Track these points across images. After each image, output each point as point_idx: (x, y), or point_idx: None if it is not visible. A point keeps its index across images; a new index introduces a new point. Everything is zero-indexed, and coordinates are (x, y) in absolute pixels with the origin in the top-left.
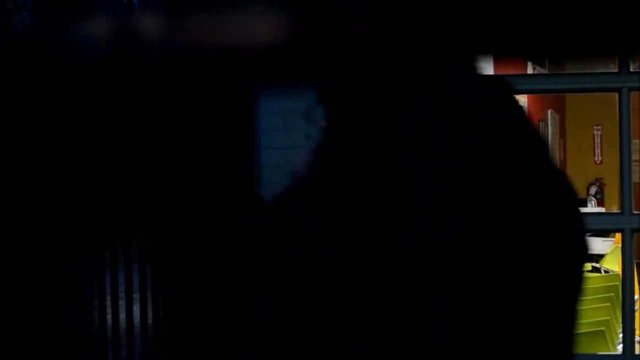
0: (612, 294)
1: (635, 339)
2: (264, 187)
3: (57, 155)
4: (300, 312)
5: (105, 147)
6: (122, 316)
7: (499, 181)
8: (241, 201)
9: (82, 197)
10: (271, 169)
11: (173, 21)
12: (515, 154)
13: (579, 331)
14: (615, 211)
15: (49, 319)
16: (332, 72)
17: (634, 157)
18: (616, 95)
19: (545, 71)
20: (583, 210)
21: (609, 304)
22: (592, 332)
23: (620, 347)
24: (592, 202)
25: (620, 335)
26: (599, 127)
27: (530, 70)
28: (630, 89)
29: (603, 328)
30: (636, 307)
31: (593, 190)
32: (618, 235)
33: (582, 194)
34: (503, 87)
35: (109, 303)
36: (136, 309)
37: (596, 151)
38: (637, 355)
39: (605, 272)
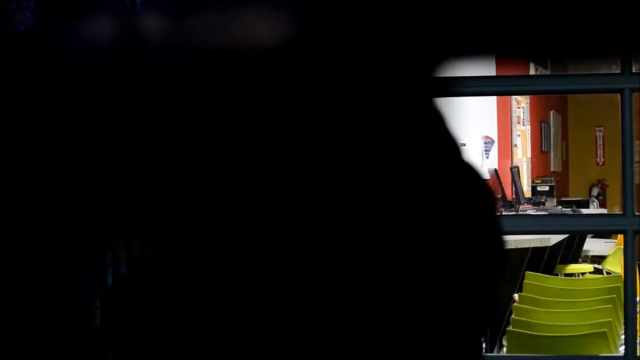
0: (614, 296)
1: (637, 341)
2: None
3: (58, 156)
4: (300, 312)
5: (106, 147)
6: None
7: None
8: (240, 201)
9: (83, 197)
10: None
11: (176, 21)
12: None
13: (581, 333)
14: (617, 212)
15: (50, 320)
16: (332, 71)
17: (637, 158)
18: (618, 96)
19: (548, 72)
20: (585, 211)
21: (610, 305)
22: (594, 333)
23: (622, 349)
24: (594, 203)
25: (622, 336)
26: (601, 128)
27: (532, 71)
28: (633, 90)
29: (605, 329)
30: (638, 309)
31: (595, 191)
32: (620, 237)
33: (584, 195)
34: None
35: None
36: None
37: (598, 152)
38: (639, 356)
39: (607, 273)
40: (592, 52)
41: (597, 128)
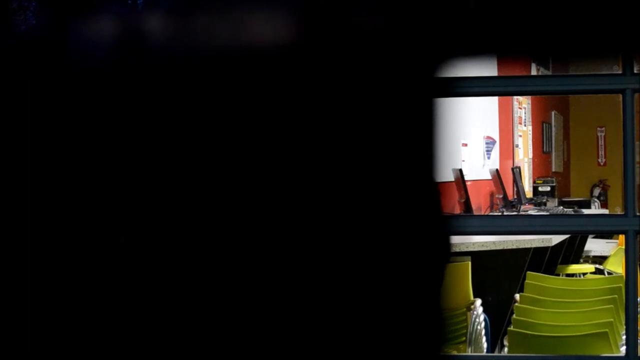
0: (616, 296)
1: (639, 341)
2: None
3: (59, 156)
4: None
5: (108, 147)
6: None
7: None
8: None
9: (91, 196)
10: None
11: (177, 21)
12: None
13: (582, 333)
14: (618, 213)
15: (63, 317)
16: (339, 73)
17: (638, 158)
18: (620, 96)
19: (549, 72)
20: (586, 212)
21: (612, 305)
22: (595, 333)
23: (623, 349)
24: (596, 203)
25: (624, 337)
26: (603, 128)
27: (534, 72)
28: (634, 91)
29: (606, 330)
30: (639, 309)
31: (596, 191)
32: (621, 237)
33: (585, 195)
34: None
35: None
36: None
37: (600, 153)
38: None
39: (609, 273)
40: (594, 52)
41: (598, 128)
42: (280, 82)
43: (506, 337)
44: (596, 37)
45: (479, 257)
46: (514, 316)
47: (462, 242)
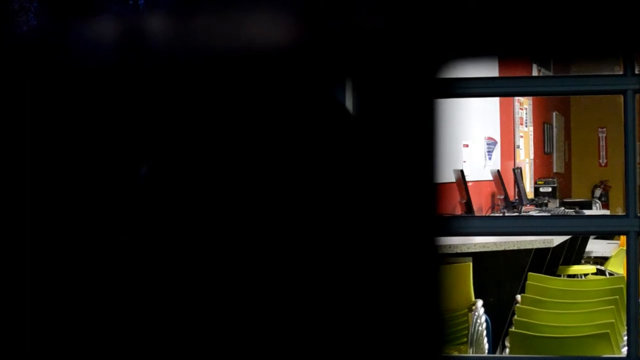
0: (617, 297)
1: None
2: None
3: (59, 156)
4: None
5: (108, 147)
6: None
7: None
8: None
9: (91, 195)
10: None
11: (178, 21)
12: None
13: (583, 334)
14: (620, 214)
15: (63, 317)
16: (340, 74)
17: (639, 159)
18: (621, 97)
19: (550, 73)
20: (587, 212)
21: (613, 306)
22: (597, 334)
23: (624, 350)
24: (597, 204)
25: (625, 338)
26: (604, 129)
27: (535, 73)
28: (635, 91)
29: (607, 331)
30: None
31: (598, 192)
32: (623, 238)
33: (587, 196)
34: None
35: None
36: None
37: (601, 153)
38: None
39: (610, 274)
40: (595, 53)
41: (599, 129)
42: (280, 81)
43: (507, 338)
44: (597, 38)
45: (480, 258)
46: (515, 317)
47: (464, 243)
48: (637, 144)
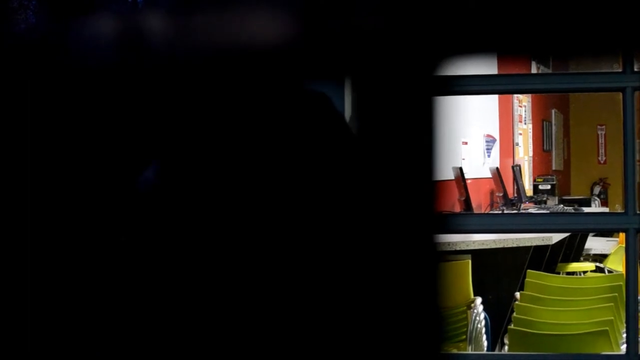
0: (616, 294)
1: (639, 339)
2: None
3: (59, 155)
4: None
5: (108, 146)
6: None
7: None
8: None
9: (91, 195)
10: None
11: (177, 20)
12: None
13: (582, 331)
14: (619, 211)
15: (63, 317)
16: (340, 73)
17: (638, 156)
18: (620, 94)
19: (549, 71)
20: (587, 210)
21: (612, 304)
22: (596, 332)
23: (623, 347)
24: (596, 202)
25: (624, 335)
26: (603, 126)
27: (534, 70)
28: (635, 89)
29: (607, 328)
30: None
31: (597, 190)
32: (622, 235)
33: (585, 193)
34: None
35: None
36: None
37: (600, 151)
38: None
39: (609, 272)
40: (594, 50)
41: (598, 127)
42: (277, 80)
43: (506, 335)
44: (596, 35)
45: (480, 256)
46: (515, 314)
47: (463, 240)
48: (637, 141)
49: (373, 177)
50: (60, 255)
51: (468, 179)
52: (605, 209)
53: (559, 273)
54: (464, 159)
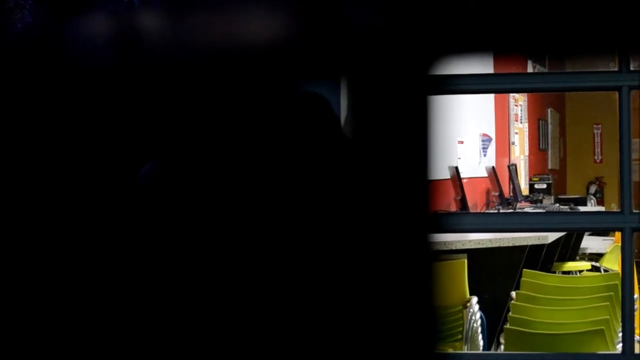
0: (612, 293)
1: (635, 338)
2: None
3: (59, 154)
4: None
5: (107, 145)
6: None
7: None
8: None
9: (90, 194)
10: None
11: (173, 19)
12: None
13: (578, 331)
14: (615, 210)
15: (63, 317)
16: (336, 72)
17: (634, 155)
18: (616, 94)
19: (545, 70)
20: (582, 209)
21: (608, 303)
22: (592, 331)
23: (619, 346)
24: (592, 200)
25: (620, 334)
26: (599, 125)
27: (530, 69)
28: (631, 88)
29: (602, 327)
30: (636, 306)
31: (593, 189)
32: (618, 234)
33: (582, 192)
34: None
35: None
36: None
37: (596, 150)
38: (636, 354)
39: (605, 271)
40: (591, 49)
41: (594, 126)
42: (273, 80)
43: (502, 334)
44: (592, 35)
45: (475, 255)
46: (510, 314)
47: (458, 239)
48: (632, 140)
49: (368, 176)
50: (60, 255)
51: (464, 178)
52: (601, 208)
53: (554, 272)
54: (459, 158)
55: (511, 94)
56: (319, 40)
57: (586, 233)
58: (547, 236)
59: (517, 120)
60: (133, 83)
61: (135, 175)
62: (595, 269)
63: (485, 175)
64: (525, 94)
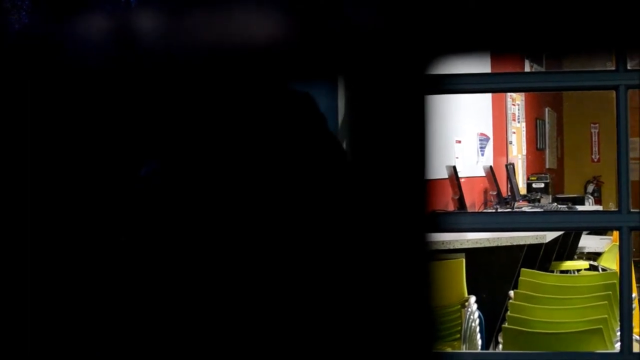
0: (610, 292)
1: (633, 337)
2: None
3: (58, 156)
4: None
5: (106, 145)
6: None
7: None
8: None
9: (90, 194)
10: None
11: (170, 20)
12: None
13: (576, 330)
14: (612, 209)
15: (63, 317)
16: (334, 72)
17: (632, 155)
18: (613, 93)
19: (543, 69)
20: (580, 208)
21: (606, 302)
22: (590, 330)
23: (617, 345)
24: (590, 200)
25: (618, 333)
26: (597, 125)
27: (527, 69)
28: (628, 87)
29: (601, 326)
30: (634, 305)
31: (590, 188)
32: (615, 233)
33: (579, 192)
34: None
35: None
36: None
37: (593, 149)
38: (635, 353)
39: (603, 270)
40: (588, 49)
41: (592, 125)
42: (267, 80)
43: (501, 334)
44: (590, 34)
45: (473, 254)
46: (509, 313)
47: (456, 239)
48: (630, 139)
49: (365, 176)
50: (60, 255)
51: (462, 177)
52: (599, 207)
53: (552, 271)
54: (457, 158)
55: (509, 94)
56: (315, 40)
57: (584, 232)
58: (545, 235)
59: (514, 120)
60: (132, 83)
61: (135, 175)
62: (593, 268)
63: (483, 174)
64: (523, 94)
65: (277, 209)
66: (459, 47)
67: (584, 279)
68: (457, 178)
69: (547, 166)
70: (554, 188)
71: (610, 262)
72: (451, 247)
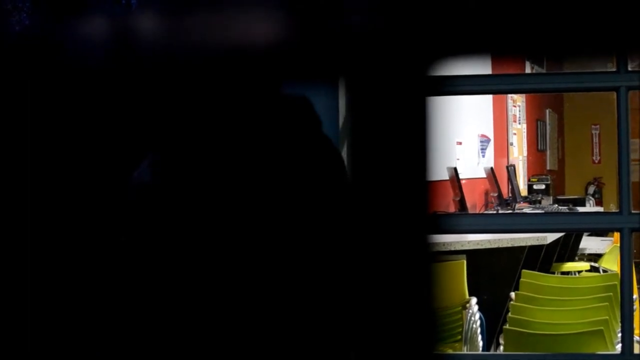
0: (611, 294)
1: (634, 339)
2: None
3: (58, 156)
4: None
5: (106, 145)
6: None
7: None
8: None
9: (90, 194)
10: None
11: (170, 21)
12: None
13: (577, 331)
14: (613, 210)
15: (63, 315)
16: (334, 73)
17: (633, 156)
18: (614, 94)
19: (543, 70)
20: (581, 209)
21: (607, 303)
22: (591, 331)
23: (619, 347)
24: (591, 201)
25: (619, 334)
26: (597, 126)
27: (528, 70)
28: (629, 88)
29: (602, 327)
30: (635, 307)
31: (591, 189)
32: (616, 235)
33: (580, 193)
34: None
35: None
36: None
37: (594, 150)
38: (636, 354)
39: (604, 271)
40: (588, 50)
41: (593, 126)
42: (272, 81)
43: (502, 335)
44: (590, 36)
45: (474, 256)
46: (510, 314)
47: (457, 240)
48: (631, 140)
49: (366, 177)
50: (60, 255)
51: (462, 179)
52: (600, 209)
53: (553, 273)
54: (458, 159)
55: (509, 95)
56: (316, 41)
57: (585, 233)
58: (546, 237)
59: (515, 121)
60: (131, 83)
61: (130, 176)
62: (594, 269)
63: (484, 176)
64: (524, 95)
65: (276, 211)
66: (460, 49)
67: (585, 280)
68: (458, 179)
69: (547, 167)
70: (554, 189)
71: (612, 264)
72: (452, 249)
